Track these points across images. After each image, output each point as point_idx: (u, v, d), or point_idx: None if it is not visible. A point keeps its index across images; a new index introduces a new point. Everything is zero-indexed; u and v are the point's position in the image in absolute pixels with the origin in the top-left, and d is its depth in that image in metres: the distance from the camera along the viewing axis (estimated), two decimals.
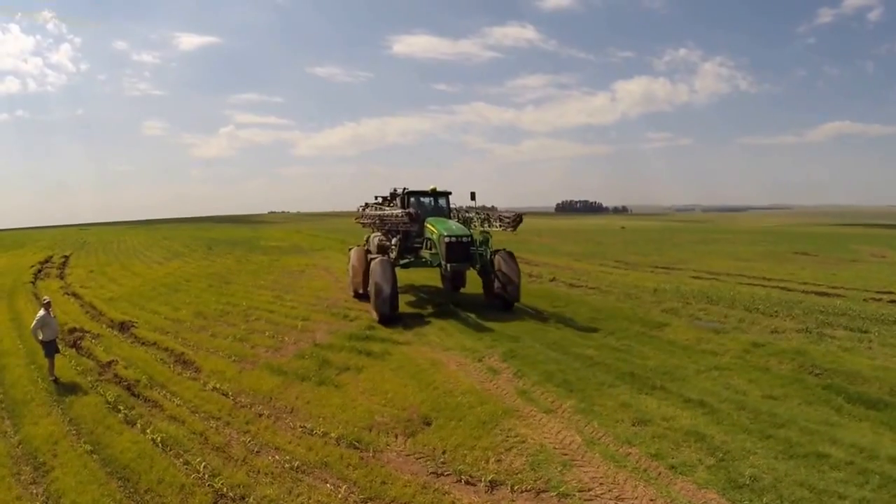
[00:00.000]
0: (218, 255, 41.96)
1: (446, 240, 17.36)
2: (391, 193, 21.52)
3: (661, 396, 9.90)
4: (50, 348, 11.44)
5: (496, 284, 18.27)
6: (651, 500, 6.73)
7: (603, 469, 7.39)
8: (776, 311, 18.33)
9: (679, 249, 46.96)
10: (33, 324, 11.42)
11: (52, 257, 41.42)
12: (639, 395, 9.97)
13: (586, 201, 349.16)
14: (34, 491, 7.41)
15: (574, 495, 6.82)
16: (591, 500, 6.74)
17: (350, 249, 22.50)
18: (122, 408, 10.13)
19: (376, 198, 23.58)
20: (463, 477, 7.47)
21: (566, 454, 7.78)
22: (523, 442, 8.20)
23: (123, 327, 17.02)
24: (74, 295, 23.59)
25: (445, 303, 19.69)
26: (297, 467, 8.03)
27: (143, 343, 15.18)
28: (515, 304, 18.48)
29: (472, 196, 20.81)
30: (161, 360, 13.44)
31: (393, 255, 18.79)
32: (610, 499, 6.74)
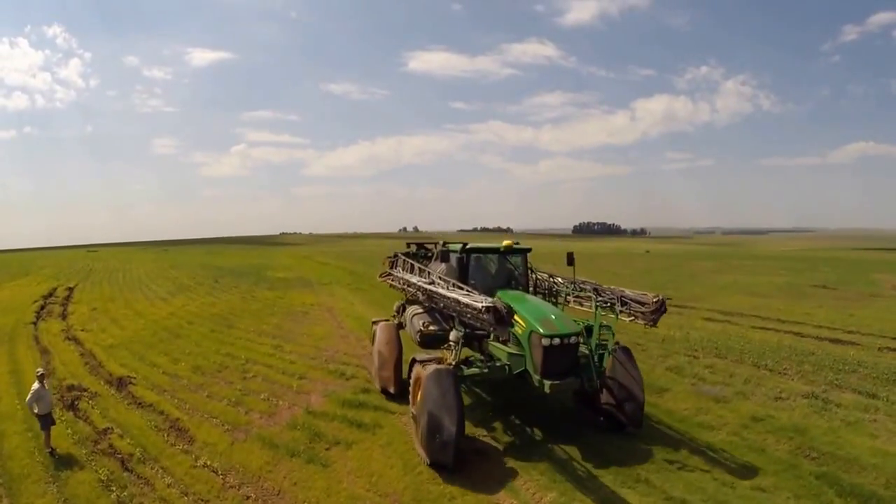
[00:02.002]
0: (223, 290, 43.15)
1: (544, 342, 11.30)
2: (441, 251, 15.48)
3: (643, 492, 10.38)
4: (45, 421, 12.24)
5: (604, 397, 13.01)
6: None
7: None
8: (785, 369, 18.68)
9: (695, 282, 47.29)
10: (28, 397, 12.23)
11: (56, 289, 42.96)
12: (622, 488, 10.46)
13: (604, 223, 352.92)
14: None
15: None
16: None
17: (374, 324, 17.71)
18: (114, 487, 10.88)
19: (409, 245, 19.75)
20: None
21: None
22: None
23: (121, 384, 17.87)
24: (75, 340, 24.62)
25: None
26: None
27: (139, 404, 15.97)
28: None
29: (570, 259, 15.36)
30: (156, 426, 14.21)
31: (452, 358, 12.54)
32: None
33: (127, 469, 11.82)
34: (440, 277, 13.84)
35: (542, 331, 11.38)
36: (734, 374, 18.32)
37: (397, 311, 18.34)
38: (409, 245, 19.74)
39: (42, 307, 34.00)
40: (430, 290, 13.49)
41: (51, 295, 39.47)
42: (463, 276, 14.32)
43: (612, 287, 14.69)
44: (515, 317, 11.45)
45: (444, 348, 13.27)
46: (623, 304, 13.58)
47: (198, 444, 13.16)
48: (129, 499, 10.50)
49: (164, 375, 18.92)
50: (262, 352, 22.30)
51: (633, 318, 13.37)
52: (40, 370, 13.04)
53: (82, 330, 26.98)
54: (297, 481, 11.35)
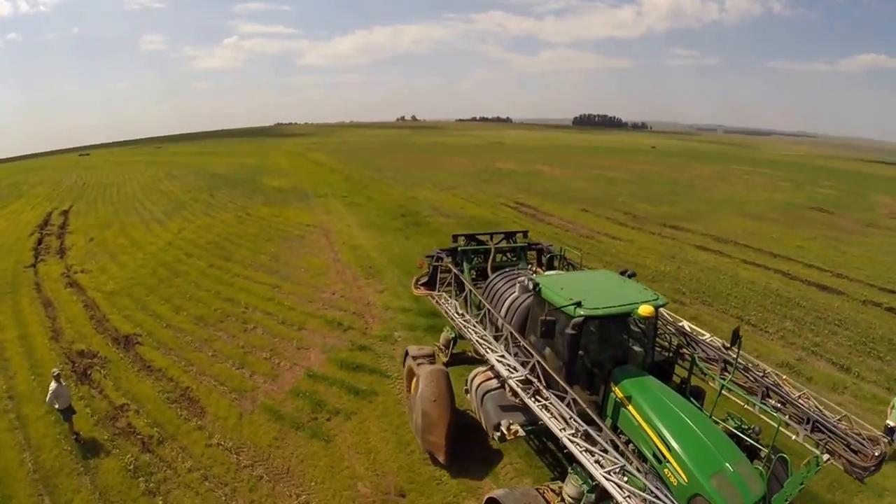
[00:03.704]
0: (219, 207, 43.91)
1: None
2: (546, 322, 9.52)
3: None
4: (67, 414, 13.55)
5: None
6: None
7: None
8: (767, 326, 20.01)
9: (693, 195, 48.35)
10: (48, 397, 13.40)
11: (50, 215, 43.66)
12: None
13: (605, 116, 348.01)
14: None
15: None
16: None
17: (412, 359, 13.47)
18: (141, 475, 12.34)
19: (456, 239, 16.17)
20: None
21: None
22: None
23: (128, 343, 19.15)
24: (76, 285, 25.61)
25: None
26: None
27: (149, 369, 17.26)
28: None
29: (735, 337, 10.07)
30: (168, 398, 15.59)
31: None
32: None
33: (148, 450, 13.24)
34: (538, 364, 10.05)
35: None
36: (715, 329, 19.31)
37: (445, 346, 15.88)
38: (455, 239, 16.11)
39: (39, 241, 34.92)
40: (544, 422, 9.31)
41: (46, 224, 40.26)
42: (573, 354, 9.59)
43: (795, 387, 10.03)
44: (664, 450, 8.15)
45: (551, 488, 9.53)
46: (815, 428, 9.24)
47: (209, 418, 14.63)
48: (157, 486, 11.99)
49: (168, 330, 20.18)
50: (261, 294, 23.48)
51: (829, 457, 8.88)
52: (56, 370, 14.08)
53: (81, 271, 27.97)
54: (304, 458, 12.90)
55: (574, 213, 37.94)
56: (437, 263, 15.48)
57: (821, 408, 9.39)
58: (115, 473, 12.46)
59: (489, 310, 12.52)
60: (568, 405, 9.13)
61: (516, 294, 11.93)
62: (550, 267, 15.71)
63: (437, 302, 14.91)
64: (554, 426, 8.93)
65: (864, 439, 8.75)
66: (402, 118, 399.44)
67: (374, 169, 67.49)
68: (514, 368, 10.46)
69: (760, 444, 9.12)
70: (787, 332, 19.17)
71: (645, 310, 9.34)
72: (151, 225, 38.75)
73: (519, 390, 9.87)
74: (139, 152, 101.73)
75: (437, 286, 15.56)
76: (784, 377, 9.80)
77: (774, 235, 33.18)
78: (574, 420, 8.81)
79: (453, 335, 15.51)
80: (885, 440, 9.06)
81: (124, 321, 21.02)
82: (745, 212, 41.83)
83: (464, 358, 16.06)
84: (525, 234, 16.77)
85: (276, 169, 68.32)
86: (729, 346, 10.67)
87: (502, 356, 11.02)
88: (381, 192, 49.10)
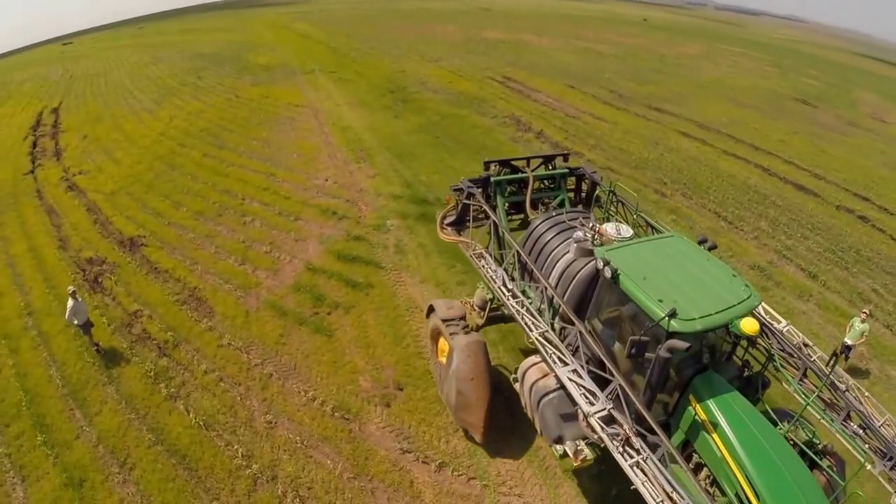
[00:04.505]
0: (208, 90, 41.93)
1: None
2: (636, 343, 7.40)
3: None
4: (86, 327, 13.81)
5: None
6: (542, 500, 9.67)
7: (515, 464, 10.35)
8: (742, 224, 19.77)
9: (679, 75, 47.11)
10: (66, 314, 13.55)
11: (42, 114, 42.12)
12: None
13: None
14: (129, 490, 10.41)
15: (491, 486, 9.89)
16: (504, 494, 9.78)
17: (438, 320, 11.46)
18: (161, 380, 12.89)
19: (487, 166, 12.68)
20: (421, 456, 10.52)
21: (495, 441, 10.55)
22: None
23: (134, 245, 19.13)
24: (77, 189, 25.12)
25: None
26: (306, 442, 11.05)
27: (156, 272, 17.40)
28: None
29: (833, 356, 8.81)
30: (177, 300, 15.86)
31: None
32: (514, 495, 9.81)
33: (165, 355, 13.74)
34: (621, 390, 7.80)
35: None
36: (694, 224, 19.10)
37: (481, 307, 11.92)
38: (487, 166, 12.66)
39: (34, 144, 33.94)
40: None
41: (38, 124, 38.90)
42: (661, 379, 7.75)
43: (878, 411, 8.49)
44: (751, 495, 6.99)
45: None
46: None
47: (218, 318, 14.99)
48: (177, 391, 12.58)
49: (170, 228, 20.06)
50: (256, 184, 23.09)
51: None
52: (71, 287, 14.02)
53: (80, 172, 27.25)
54: (308, 354, 13.40)
55: (560, 90, 36.28)
56: (467, 202, 11.99)
57: None
58: (137, 381, 13.00)
59: (546, 286, 9.48)
60: (661, 459, 7.27)
61: (571, 256, 9.43)
62: (594, 200, 12.74)
63: (471, 257, 11.75)
64: (651, 498, 6.95)
65: None
66: None
67: (360, 40, 63.37)
68: (594, 396, 8.09)
69: (828, 460, 8.00)
70: (761, 233, 18.98)
71: (750, 327, 7.31)
72: (142, 115, 37.27)
73: (605, 437, 7.65)
74: (123, 35, 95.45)
75: (469, 226, 12.34)
76: (866, 394, 8.52)
77: (757, 126, 32.09)
78: (677, 493, 6.88)
79: (491, 296, 11.73)
80: None
81: (127, 222, 20.87)
82: (730, 97, 40.21)
83: (500, 316, 12.43)
84: (566, 157, 13.49)
85: (262, 43, 64.22)
86: (826, 363, 8.86)
87: (574, 370, 8.50)
88: (368, 66, 46.55)
